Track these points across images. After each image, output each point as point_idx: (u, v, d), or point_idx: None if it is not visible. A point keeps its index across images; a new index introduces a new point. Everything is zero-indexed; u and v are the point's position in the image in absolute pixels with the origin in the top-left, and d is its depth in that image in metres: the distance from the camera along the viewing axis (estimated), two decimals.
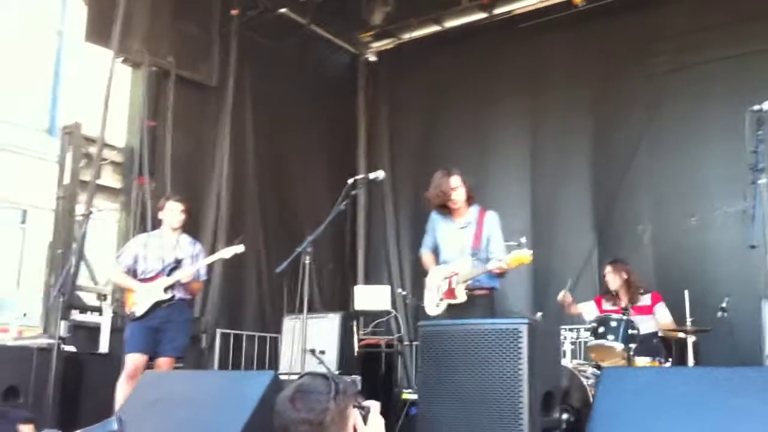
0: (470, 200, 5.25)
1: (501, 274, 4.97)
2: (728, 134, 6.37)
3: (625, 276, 6.06)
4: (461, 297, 4.99)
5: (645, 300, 6.04)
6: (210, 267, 6.02)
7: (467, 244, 5.13)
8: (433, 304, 5.13)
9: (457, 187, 5.15)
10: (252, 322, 8.07)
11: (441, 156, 8.75)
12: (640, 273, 6.39)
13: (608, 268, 6.20)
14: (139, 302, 5.50)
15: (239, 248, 5.77)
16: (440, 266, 5.23)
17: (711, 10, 7.41)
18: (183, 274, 5.50)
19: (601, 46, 8.00)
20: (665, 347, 5.73)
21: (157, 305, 5.49)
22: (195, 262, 5.71)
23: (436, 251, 5.37)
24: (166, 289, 5.50)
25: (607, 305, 6.10)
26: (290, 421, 2.12)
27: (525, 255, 4.69)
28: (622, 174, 7.52)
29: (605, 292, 6.23)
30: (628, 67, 7.81)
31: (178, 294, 5.58)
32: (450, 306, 5.04)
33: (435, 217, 5.36)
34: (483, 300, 5.04)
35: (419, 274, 8.68)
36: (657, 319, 5.91)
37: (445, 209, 5.23)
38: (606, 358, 5.37)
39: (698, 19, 7.39)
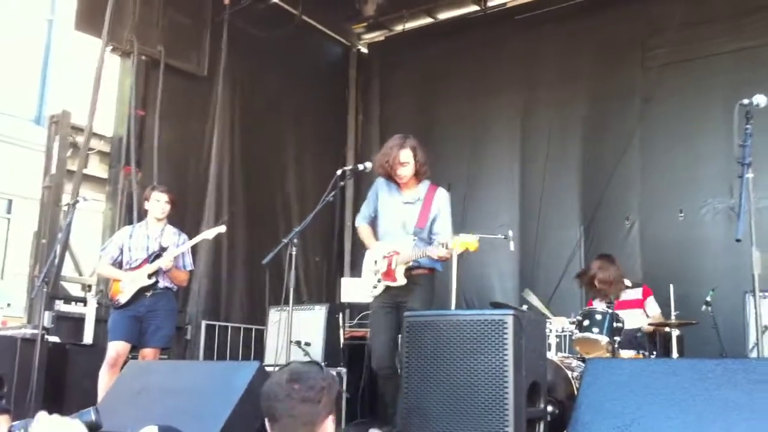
0: (420, 175, 4.91)
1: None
2: (721, 130, 6.41)
3: (613, 271, 6.05)
4: (400, 280, 4.73)
5: (635, 294, 6.05)
6: (195, 258, 6.00)
7: (410, 222, 4.84)
8: (371, 284, 4.89)
9: (405, 163, 4.79)
10: (237, 314, 8.03)
11: (431, 149, 8.70)
12: (627, 267, 6.41)
13: (596, 264, 6.19)
14: (124, 290, 5.49)
15: (221, 228, 5.78)
16: (380, 243, 4.95)
17: (708, 4, 7.42)
18: (164, 260, 5.49)
19: (596, 40, 7.99)
20: (650, 341, 5.75)
21: (142, 292, 5.48)
22: None
23: (374, 224, 5.09)
24: (149, 276, 5.49)
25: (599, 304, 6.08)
26: (288, 401, 2.14)
27: (471, 241, 4.40)
28: (613, 168, 7.52)
29: (591, 288, 6.22)
30: (624, 60, 7.79)
31: (163, 281, 5.57)
32: (388, 287, 4.80)
33: (380, 184, 5.05)
34: (422, 280, 4.80)
35: None
36: (646, 313, 5.93)
37: (393, 178, 4.92)
38: (591, 350, 5.37)
39: (695, 13, 7.39)
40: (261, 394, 2.24)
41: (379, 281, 4.84)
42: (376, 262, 4.89)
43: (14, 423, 2.62)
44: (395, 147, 4.82)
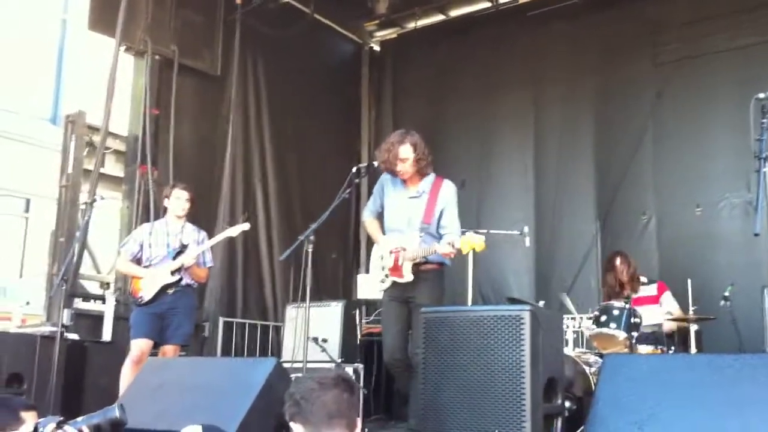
0: (423, 170, 4.83)
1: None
2: (734, 124, 6.39)
3: (630, 268, 6.04)
4: (407, 276, 4.67)
5: (650, 290, 6.03)
6: (213, 255, 6.03)
7: (416, 217, 4.76)
8: (378, 279, 4.87)
9: (405, 159, 4.72)
10: (254, 311, 8.08)
11: (444, 145, 8.74)
12: (644, 262, 6.39)
13: (612, 262, 6.16)
14: (146, 288, 5.51)
15: (245, 226, 5.81)
16: (388, 237, 4.89)
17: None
18: (187, 257, 5.52)
19: (607, 36, 7.96)
20: (667, 336, 5.73)
21: (164, 289, 5.51)
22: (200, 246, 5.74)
23: (380, 218, 5.04)
24: (172, 273, 5.52)
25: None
26: (337, 389, 2.25)
27: (477, 241, 4.34)
28: (627, 163, 7.50)
29: (606, 288, 6.21)
30: (635, 56, 7.77)
31: (185, 279, 5.60)
32: (395, 283, 4.77)
33: (385, 179, 4.99)
34: (430, 275, 4.74)
35: None
36: (664, 309, 5.90)
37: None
38: (608, 346, 5.37)
39: (705, 9, 7.36)
40: (296, 392, 2.28)
41: (386, 276, 4.80)
42: (382, 257, 4.87)
43: (40, 420, 2.66)
44: (395, 143, 4.75)
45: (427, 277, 4.73)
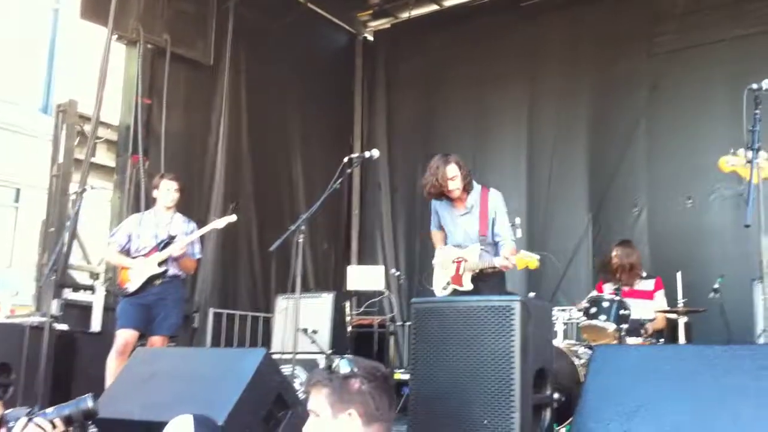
0: (468, 186, 5.02)
1: None
2: (728, 116, 6.37)
3: (635, 257, 6.04)
4: (467, 285, 4.90)
5: (648, 284, 6.02)
6: (203, 246, 6.01)
7: (472, 231, 4.99)
8: (440, 286, 5.07)
9: (454, 176, 4.92)
10: (244, 302, 8.08)
11: (438, 136, 8.76)
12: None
13: (617, 250, 6.13)
14: (133, 278, 5.48)
15: (232, 218, 5.77)
16: (449, 247, 5.10)
17: None
18: (175, 248, 5.49)
19: (602, 26, 7.97)
20: (656, 332, 5.73)
21: (151, 280, 5.48)
22: None
23: (443, 229, 5.26)
24: (159, 264, 5.49)
25: (608, 288, 6.06)
26: (391, 392, 2.35)
27: (531, 260, 4.58)
28: (620, 155, 7.51)
29: (604, 272, 6.20)
30: (630, 47, 7.77)
31: (172, 269, 5.57)
32: (456, 290, 4.97)
33: (436, 204, 5.20)
34: (491, 277, 4.92)
35: (413, 254, 8.77)
36: (655, 305, 5.91)
37: (444, 196, 5.06)
38: (598, 338, 5.37)
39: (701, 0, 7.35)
40: (363, 378, 2.34)
41: (448, 284, 5.02)
42: (445, 264, 5.05)
43: (7, 412, 2.62)
44: (441, 165, 4.93)
45: (486, 279, 4.92)
